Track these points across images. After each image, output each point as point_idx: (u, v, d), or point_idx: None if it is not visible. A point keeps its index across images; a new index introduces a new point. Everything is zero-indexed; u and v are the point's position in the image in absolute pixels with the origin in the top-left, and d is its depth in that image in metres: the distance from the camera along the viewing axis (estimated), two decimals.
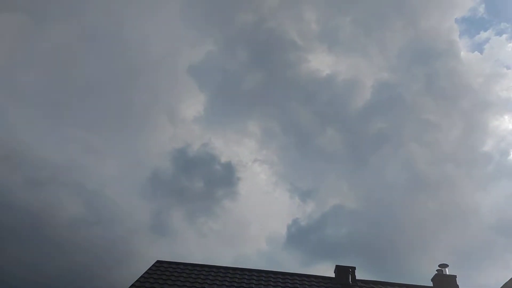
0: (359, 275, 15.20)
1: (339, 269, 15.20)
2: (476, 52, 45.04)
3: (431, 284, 14.96)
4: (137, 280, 13.41)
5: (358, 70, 44.31)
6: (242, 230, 40.58)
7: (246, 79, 42.70)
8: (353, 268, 15.07)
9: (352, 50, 45.25)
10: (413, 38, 41.27)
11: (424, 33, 40.83)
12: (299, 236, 37.81)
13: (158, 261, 15.09)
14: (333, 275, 15.45)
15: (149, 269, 14.47)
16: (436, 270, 14.94)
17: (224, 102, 43.83)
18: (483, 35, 47.35)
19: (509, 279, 13.38)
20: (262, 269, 15.63)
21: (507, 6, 48.73)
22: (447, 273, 14.84)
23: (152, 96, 44.34)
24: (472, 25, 51.99)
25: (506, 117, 41.82)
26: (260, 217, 42.32)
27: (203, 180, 40.58)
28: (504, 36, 46.28)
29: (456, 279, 14.67)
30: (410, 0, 41.30)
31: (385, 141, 38.35)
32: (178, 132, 44.92)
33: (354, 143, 40.58)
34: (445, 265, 14.94)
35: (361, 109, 40.68)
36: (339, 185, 41.01)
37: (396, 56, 41.88)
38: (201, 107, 44.95)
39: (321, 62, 44.05)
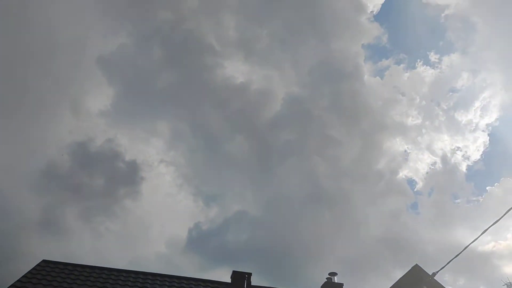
0: (255, 281, 15.47)
1: (235, 274, 15.34)
2: (377, 77, 48.76)
3: None
4: (18, 280, 12.31)
5: (271, 82, 45.55)
6: (141, 232, 39.16)
7: (159, 78, 41.62)
8: (249, 274, 15.29)
9: (267, 62, 46.40)
10: (324, 58, 43.49)
11: (334, 54, 43.28)
12: (199, 240, 37.56)
13: (44, 261, 13.97)
14: (229, 280, 15.56)
15: (33, 268, 13.34)
16: (326, 278, 15.75)
17: (134, 98, 42.16)
18: (385, 62, 51.56)
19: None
20: (158, 272, 15.23)
21: (407, 39, 53.67)
22: (336, 281, 15.71)
23: (53, 83, 41.11)
24: (376, 52, 56.40)
25: (398, 139, 45.67)
26: (161, 219, 41.29)
27: (104, 177, 38.42)
28: (402, 65, 50.87)
29: (343, 287, 15.60)
30: (324, 21, 43.51)
31: (291, 153, 39.78)
32: (81, 125, 42.24)
33: (262, 152, 41.52)
34: (334, 274, 15.80)
35: (271, 120, 41.80)
36: (244, 192, 41.60)
37: (307, 73, 43.78)
38: (108, 101, 42.79)
39: (236, 70, 44.55)
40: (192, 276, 15.61)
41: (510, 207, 8.96)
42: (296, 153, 40.08)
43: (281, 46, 45.03)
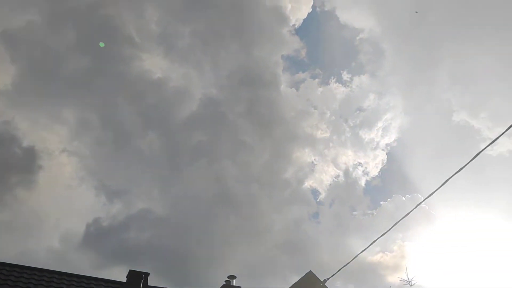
0: (153, 281, 15.12)
1: (131, 274, 14.84)
2: (293, 88, 50.59)
3: None
4: None
5: (189, 81, 45.04)
6: (34, 224, 36.31)
7: (69, 61, 38.98)
8: (147, 274, 14.90)
9: (187, 61, 45.84)
10: (244, 63, 44.08)
11: (254, 61, 44.07)
12: (98, 236, 35.68)
13: None
14: (125, 280, 15.00)
15: None
16: (225, 281, 15.90)
17: (38, 80, 38.93)
18: (301, 75, 53.64)
19: None
20: (47, 268, 14.21)
21: (324, 55, 56.36)
22: (234, 284, 15.93)
23: None
24: (294, 64, 58.39)
25: (306, 150, 47.69)
26: (57, 212, 38.64)
27: None
28: (317, 80, 53.36)
29: None
30: (248, 28, 44.18)
31: (202, 154, 39.64)
32: None
33: (173, 150, 40.82)
34: (233, 277, 16.01)
35: (186, 119, 41.31)
36: (150, 190, 40.51)
37: (226, 76, 44.06)
38: (9, 79, 39.02)
39: (154, 64, 43.34)
40: (84, 274, 14.80)
41: (395, 222, 9.77)
42: (207, 155, 40.03)
43: (203, 46, 44.82)
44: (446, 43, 42.37)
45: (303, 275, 14.60)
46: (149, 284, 14.87)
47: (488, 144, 7.80)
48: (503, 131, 7.55)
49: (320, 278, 13.78)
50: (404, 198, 40.40)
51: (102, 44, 36.72)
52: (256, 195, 40.97)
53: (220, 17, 44.29)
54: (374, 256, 39.69)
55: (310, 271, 14.58)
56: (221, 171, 39.27)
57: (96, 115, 40.35)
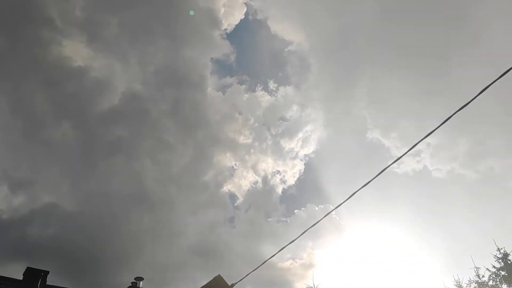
0: (54, 281, 14.25)
1: (29, 271, 13.88)
2: (220, 92, 50.87)
3: None
4: None
5: (113, 73, 43.49)
6: None
7: None
8: (46, 272, 14.02)
9: (112, 52, 44.25)
10: (172, 62, 43.50)
11: (183, 60, 43.62)
12: None
13: None
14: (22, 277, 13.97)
15: None
16: (131, 283, 15.42)
17: None
18: (229, 80, 54.15)
19: None
20: None
21: (252, 63, 57.38)
22: (141, 286, 15.51)
23: None
24: (222, 68, 58.78)
25: (228, 154, 48.07)
26: None
27: None
28: (244, 86, 54.19)
29: None
30: (179, 26, 43.66)
31: (120, 150, 38.28)
32: None
33: (88, 144, 38.99)
34: (140, 278, 15.60)
35: (105, 112, 39.73)
36: (59, 183, 38.28)
37: (152, 73, 43.12)
38: None
39: (76, 52, 41.23)
40: None
41: (305, 230, 10.17)
42: (126, 151, 38.77)
43: (131, 39, 43.56)
44: (366, 65, 45.24)
45: (211, 279, 14.62)
46: (48, 283, 14.00)
47: (391, 163, 8.43)
48: (406, 151, 8.24)
49: (228, 283, 13.90)
50: (317, 208, 42.22)
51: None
52: (173, 196, 40.43)
53: (151, 12, 43.34)
54: (285, 262, 40.90)
55: (219, 275, 14.66)
56: (139, 169, 38.24)
57: (6, 99, 37.39)
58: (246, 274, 11.93)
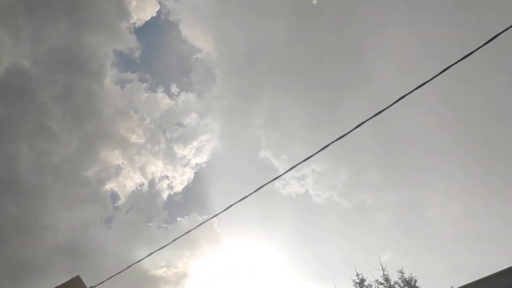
0: None
1: None
2: (118, 86, 48.53)
3: None
4: None
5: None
6: None
7: None
8: None
9: (2, 22, 39.90)
10: (71, 45, 40.60)
11: (83, 46, 40.91)
12: None
13: None
14: None
15: None
16: None
17: None
18: (130, 75, 52.05)
19: None
20: None
21: (157, 63, 56.02)
22: None
23: None
24: (125, 62, 56.32)
25: (116, 151, 45.87)
26: None
27: None
28: (145, 85, 52.52)
29: None
30: (83, 10, 40.99)
31: None
32: None
33: None
34: None
35: None
36: None
37: (46, 52, 39.73)
38: None
39: None
40: None
41: (177, 237, 9.95)
42: (1, 132, 34.85)
43: (27, 12, 39.74)
44: (268, 85, 46.87)
45: (69, 279, 13.49)
46: None
47: (269, 181, 8.66)
48: (284, 172, 8.54)
49: (88, 285, 12.99)
50: (200, 218, 42.03)
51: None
52: (48, 187, 37.26)
53: None
54: (158, 270, 39.83)
55: (78, 276, 13.61)
56: (14, 153, 34.58)
57: None
58: (108, 277, 11.27)
